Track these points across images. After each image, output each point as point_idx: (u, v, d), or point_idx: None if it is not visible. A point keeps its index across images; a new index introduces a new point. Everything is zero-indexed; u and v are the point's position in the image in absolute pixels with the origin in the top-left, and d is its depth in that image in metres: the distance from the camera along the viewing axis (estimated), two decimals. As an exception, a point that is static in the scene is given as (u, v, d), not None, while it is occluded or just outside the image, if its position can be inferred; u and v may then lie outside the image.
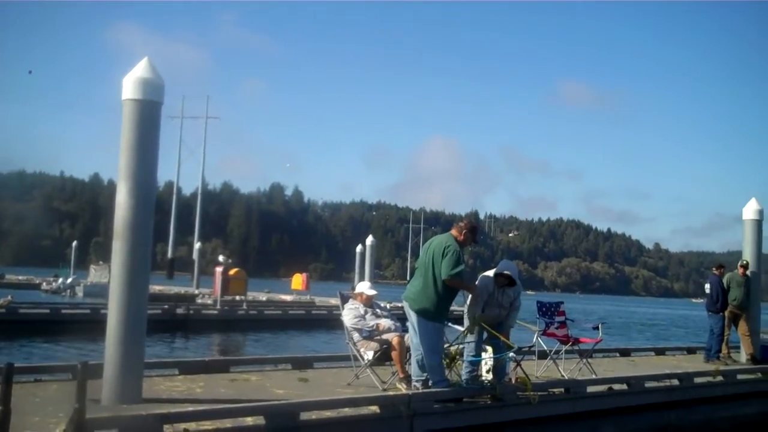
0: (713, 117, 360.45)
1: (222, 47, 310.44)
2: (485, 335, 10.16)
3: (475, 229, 9.97)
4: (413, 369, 9.54)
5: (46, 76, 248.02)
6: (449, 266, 9.30)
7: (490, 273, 10.25)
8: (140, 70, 8.59)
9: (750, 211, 16.06)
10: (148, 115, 8.60)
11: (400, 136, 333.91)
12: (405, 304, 9.67)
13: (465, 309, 10.05)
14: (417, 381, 9.43)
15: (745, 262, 15.95)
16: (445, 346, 10.20)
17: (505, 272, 10.07)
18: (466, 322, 10.21)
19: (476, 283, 10.17)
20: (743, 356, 15.92)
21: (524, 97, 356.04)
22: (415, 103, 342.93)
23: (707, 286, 16.34)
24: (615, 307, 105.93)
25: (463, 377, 10.30)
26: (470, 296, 9.87)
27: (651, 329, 52.02)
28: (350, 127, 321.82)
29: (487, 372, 10.13)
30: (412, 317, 9.49)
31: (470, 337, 10.17)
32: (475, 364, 10.18)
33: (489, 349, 10.20)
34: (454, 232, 9.76)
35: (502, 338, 9.86)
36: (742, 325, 15.90)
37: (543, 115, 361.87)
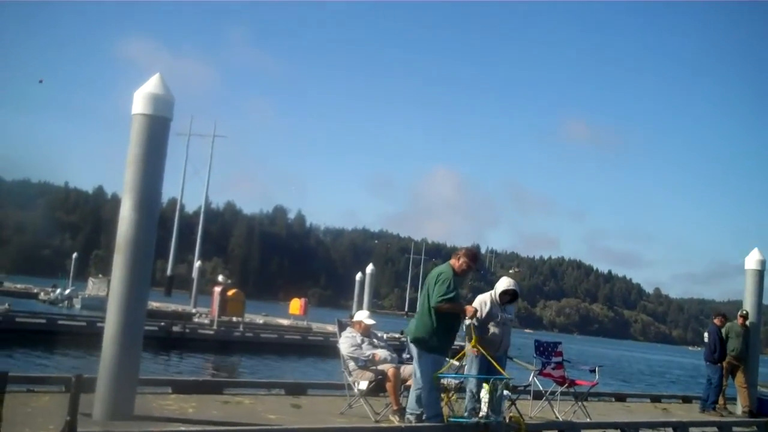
0: (720, 164, 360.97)
1: (230, 66, 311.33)
2: (478, 366, 10.21)
3: (473, 255, 9.85)
4: (410, 402, 9.46)
5: (55, 87, 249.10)
6: (439, 293, 9.26)
7: (487, 294, 10.41)
8: (151, 85, 8.63)
9: (752, 261, 16.02)
10: (157, 130, 8.64)
11: (406, 166, 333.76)
12: (407, 338, 9.70)
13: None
14: (411, 414, 9.36)
15: (744, 312, 15.88)
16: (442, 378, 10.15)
17: (512, 288, 10.32)
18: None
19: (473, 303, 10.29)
20: (739, 408, 15.78)
21: (531, 134, 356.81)
22: (422, 133, 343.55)
23: (706, 335, 16.25)
24: (613, 350, 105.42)
25: (464, 413, 10.27)
26: (466, 318, 9.68)
27: (649, 376, 51.76)
28: (357, 153, 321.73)
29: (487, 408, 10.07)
30: (412, 349, 9.46)
31: (473, 368, 10.20)
32: (477, 401, 10.15)
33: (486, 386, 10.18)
34: (452, 261, 9.72)
35: (499, 368, 9.78)
36: (740, 377, 15.80)
37: (548, 152, 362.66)
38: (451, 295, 9.25)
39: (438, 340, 9.35)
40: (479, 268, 10.22)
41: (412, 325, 9.61)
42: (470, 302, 10.45)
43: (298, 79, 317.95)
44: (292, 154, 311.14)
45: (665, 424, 12.51)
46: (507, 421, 10.15)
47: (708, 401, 15.69)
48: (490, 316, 10.24)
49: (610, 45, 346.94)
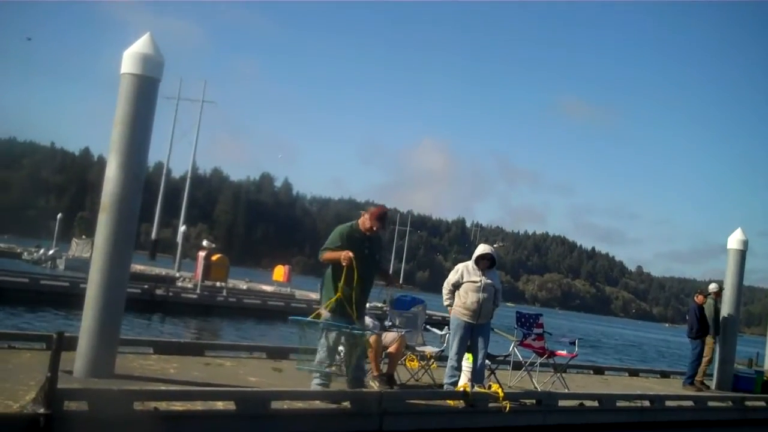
0: (707, 145, 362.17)
1: (221, 27, 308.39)
2: (460, 337, 10.34)
3: (379, 214, 9.36)
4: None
5: (43, 45, 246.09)
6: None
7: (464, 263, 10.70)
8: (141, 45, 8.57)
9: (735, 240, 16.14)
10: (145, 91, 8.59)
11: (395, 136, 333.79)
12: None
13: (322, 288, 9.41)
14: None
15: (715, 288, 16.07)
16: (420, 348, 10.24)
17: (487, 252, 10.56)
18: (444, 329, 10.38)
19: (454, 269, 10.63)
20: (714, 383, 15.99)
21: (522, 107, 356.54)
22: (413, 103, 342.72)
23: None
24: (594, 326, 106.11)
25: (445, 382, 10.42)
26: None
27: (628, 350, 52.19)
28: (347, 120, 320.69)
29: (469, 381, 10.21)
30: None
31: (455, 337, 10.36)
32: (458, 370, 10.26)
33: (469, 356, 10.32)
34: (360, 219, 9.46)
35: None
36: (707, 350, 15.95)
37: (539, 126, 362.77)
38: (329, 245, 9.09)
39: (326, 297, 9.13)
40: (386, 227, 9.83)
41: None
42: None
43: (289, 44, 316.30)
44: (280, 121, 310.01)
45: (642, 397, 12.65)
46: (487, 389, 10.28)
47: (686, 376, 15.89)
48: (468, 282, 10.48)
49: (604, 21, 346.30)
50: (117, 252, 8.42)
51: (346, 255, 8.81)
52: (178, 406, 7.23)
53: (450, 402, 9.59)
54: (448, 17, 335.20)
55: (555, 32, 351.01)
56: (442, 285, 10.78)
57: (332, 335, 8.95)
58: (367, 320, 10.34)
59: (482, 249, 10.71)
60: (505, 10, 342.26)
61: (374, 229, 9.29)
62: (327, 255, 9.08)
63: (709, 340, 15.81)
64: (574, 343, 13.59)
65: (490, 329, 10.85)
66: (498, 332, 11.88)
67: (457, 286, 10.60)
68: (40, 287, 25.88)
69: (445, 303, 10.73)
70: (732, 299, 16.07)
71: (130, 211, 8.52)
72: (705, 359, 15.86)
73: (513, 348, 12.57)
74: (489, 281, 10.52)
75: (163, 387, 7.81)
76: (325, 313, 9.06)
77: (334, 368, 9.26)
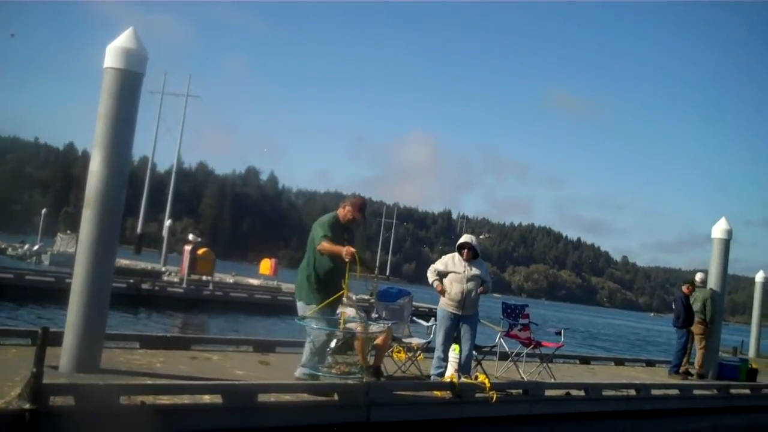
0: (693, 136, 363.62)
1: (206, 23, 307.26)
2: (446, 328, 10.40)
3: (359, 204, 9.43)
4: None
5: (27, 41, 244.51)
6: (318, 234, 9.09)
7: (450, 254, 10.82)
8: (124, 39, 8.52)
9: (719, 230, 16.21)
10: (129, 85, 8.53)
11: (382, 129, 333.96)
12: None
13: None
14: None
15: (702, 278, 16.20)
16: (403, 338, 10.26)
17: (465, 240, 10.63)
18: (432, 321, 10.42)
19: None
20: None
21: (509, 100, 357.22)
22: (400, 97, 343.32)
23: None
24: (579, 315, 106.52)
25: (432, 373, 10.46)
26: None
27: (615, 339, 52.46)
28: (332, 115, 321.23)
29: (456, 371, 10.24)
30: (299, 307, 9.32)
31: (441, 329, 10.43)
32: (445, 361, 10.29)
33: (455, 347, 10.33)
34: (339, 210, 9.47)
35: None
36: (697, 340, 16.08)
37: (525, 119, 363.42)
38: (326, 234, 9.02)
39: (321, 288, 9.10)
40: (364, 218, 9.62)
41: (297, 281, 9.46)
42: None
43: (275, 40, 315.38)
44: (266, 115, 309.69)
45: (628, 386, 12.71)
46: (474, 380, 10.31)
47: (672, 365, 15.99)
48: (453, 273, 10.59)
49: (591, 14, 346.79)
50: (102, 247, 8.38)
51: (348, 251, 8.79)
52: (165, 399, 7.22)
53: (437, 393, 9.63)
54: (434, 12, 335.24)
55: (543, 25, 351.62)
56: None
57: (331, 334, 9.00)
58: (350, 311, 10.34)
59: (462, 238, 10.80)
60: (494, 4, 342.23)
61: (355, 219, 9.33)
62: (328, 247, 8.97)
63: (700, 328, 15.90)
64: (560, 333, 13.64)
65: (477, 321, 10.89)
66: (484, 323, 11.91)
67: (442, 275, 10.64)
68: (25, 282, 25.82)
69: (431, 280, 10.74)
70: (717, 288, 16.16)
71: (115, 205, 8.48)
72: (701, 348, 15.94)
73: (499, 338, 12.61)
74: (475, 272, 10.55)
75: (149, 381, 7.80)
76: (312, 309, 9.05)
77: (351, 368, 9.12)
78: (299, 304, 9.27)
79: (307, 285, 9.17)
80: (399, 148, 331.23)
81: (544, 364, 12.81)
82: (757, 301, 26.54)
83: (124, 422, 6.76)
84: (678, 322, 15.85)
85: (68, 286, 8.50)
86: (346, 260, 8.80)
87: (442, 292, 10.59)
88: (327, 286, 9.07)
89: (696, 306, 15.87)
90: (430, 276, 10.76)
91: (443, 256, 10.94)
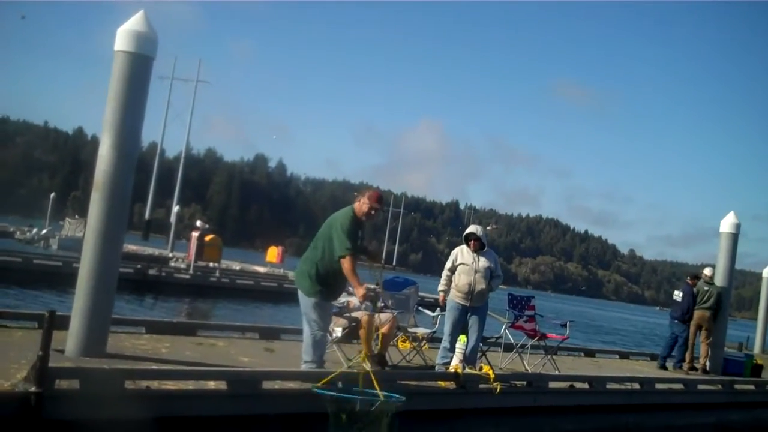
0: (702, 129, 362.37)
1: (217, 8, 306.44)
2: (454, 318, 10.42)
3: (377, 197, 9.22)
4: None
5: (37, 23, 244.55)
6: (343, 243, 8.76)
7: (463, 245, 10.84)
8: (135, 22, 8.52)
9: (727, 224, 16.16)
10: (139, 69, 8.54)
11: (391, 117, 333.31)
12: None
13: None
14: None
15: (710, 272, 16.14)
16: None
17: (471, 231, 10.73)
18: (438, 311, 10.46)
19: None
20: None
21: (518, 89, 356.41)
22: (409, 85, 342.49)
23: (677, 293, 16.48)
24: (586, 308, 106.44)
25: (437, 362, 10.48)
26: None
27: (619, 333, 52.40)
28: (341, 103, 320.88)
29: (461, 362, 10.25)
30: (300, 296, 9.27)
31: (447, 323, 10.45)
32: (451, 351, 10.29)
33: (462, 338, 10.35)
34: (355, 204, 9.19)
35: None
36: (703, 334, 16.02)
37: (534, 109, 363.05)
38: (352, 248, 8.75)
39: (325, 285, 9.02)
40: (381, 210, 9.44)
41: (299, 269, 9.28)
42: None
43: (285, 26, 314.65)
44: (275, 102, 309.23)
45: (632, 379, 12.71)
46: (478, 371, 10.32)
47: (676, 359, 15.96)
48: (461, 264, 10.64)
49: (602, 5, 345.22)
50: (110, 231, 8.40)
51: (363, 295, 8.75)
52: (169, 385, 7.25)
53: (441, 383, 9.64)
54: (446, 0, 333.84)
55: (554, 16, 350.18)
56: (435, 267, 10.91)
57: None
58: (354, 300, 10.35)
59: (469, 229, 10.82)
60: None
61: (373, 212, 9.12)
62: (348, 268, 8.70)
63: (711, 324, 15.83)
64: (565, 326, 13.62)
65: (486, 313, 10.89)
66: (490, 314, 11.91)
67: (453, 270, 10.66)
68: (32, 267, 25.83)
69: (439, 288, 10.82)
70: (724, 283, 16.11)
71: (123, 190, 8.49)
72: (708, 343, 15.88)
73: (504, 330, 12.61)
74: (484, 263, 10.54)
75: (155, 366, 7.83)
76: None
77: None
78: (300, 293, 9.22)
79: (309, 279, 9.05)
80: (407, 136, 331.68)
81: (549, 356, 12.81)
82: (764, 296, 26.43)
83: (129, 406, 6.78)
84: (685, 317, 15.80)
85: (75, 270, 8.54)
86: (359, 302, 9.06)
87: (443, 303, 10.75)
88: (329, 284, 9.05)
89: (710, 301, 15.75)
90: (442, 282, 10.86)
91: (453, 250, 10.96)
